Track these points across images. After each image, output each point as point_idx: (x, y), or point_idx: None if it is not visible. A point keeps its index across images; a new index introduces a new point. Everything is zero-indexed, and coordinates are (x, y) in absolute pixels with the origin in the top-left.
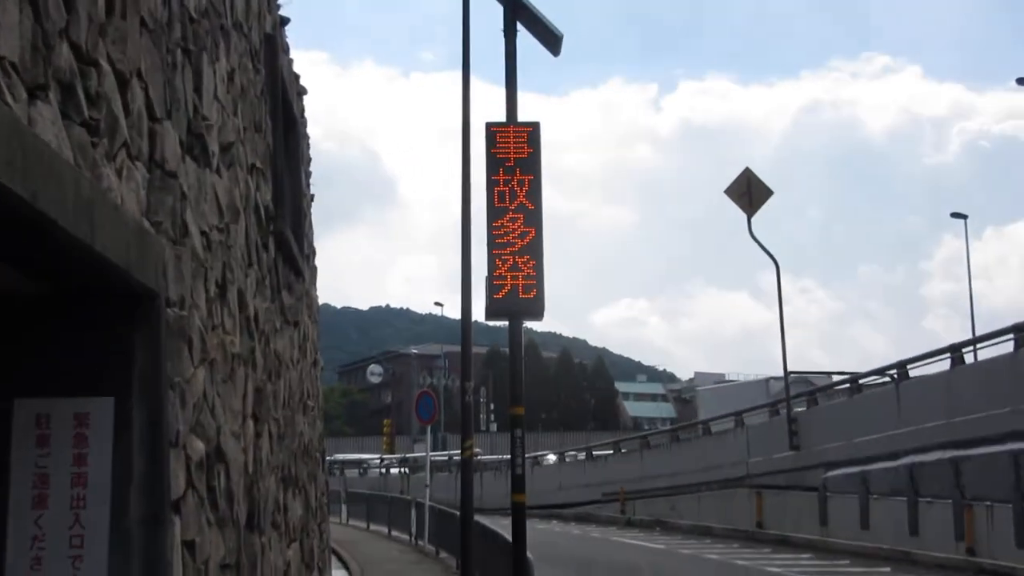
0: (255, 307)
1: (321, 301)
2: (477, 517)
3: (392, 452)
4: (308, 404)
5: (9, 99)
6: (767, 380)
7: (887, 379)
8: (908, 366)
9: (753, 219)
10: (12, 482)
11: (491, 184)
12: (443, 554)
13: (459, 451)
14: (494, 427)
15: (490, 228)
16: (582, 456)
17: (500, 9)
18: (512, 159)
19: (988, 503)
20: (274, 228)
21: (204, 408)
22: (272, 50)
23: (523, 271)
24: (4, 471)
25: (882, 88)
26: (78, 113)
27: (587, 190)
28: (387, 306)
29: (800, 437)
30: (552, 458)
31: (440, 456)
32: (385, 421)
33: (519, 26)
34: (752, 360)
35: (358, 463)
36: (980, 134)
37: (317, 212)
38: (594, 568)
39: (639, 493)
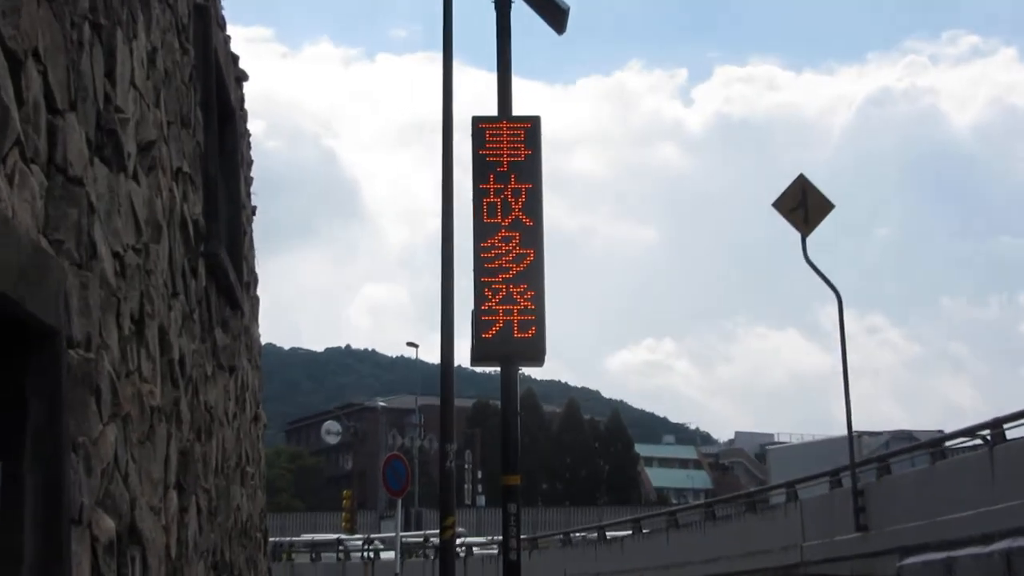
0: (181, 348)
1: (265, 340)
2: None
3: (353, 532)
4: (247, 471)
5: None
6: (858, 436)
7: (978, 441)
8: (1005, 425)
9: (809, 239)
10: None
11: (479, 194)
12: None
13: (438, 531)
14: (482, 500)
15: (477, 249)
16: (593, 536)
17: None
18: (505, 163)
19: None
20: (206, 249)
21: (115, 476)
22: (204, 25)
23: (519, 303)
24: None
25: (969, 74)
26: None
27: (599, 202)
28: (347, 347)
29: (869, 514)
30: (556, 540)
31: (414, 537)
32: (344, 492)
33: None
34: (807, 417)
35: (336, 544)
36: None
37: (260, 228)
38: None
39: None
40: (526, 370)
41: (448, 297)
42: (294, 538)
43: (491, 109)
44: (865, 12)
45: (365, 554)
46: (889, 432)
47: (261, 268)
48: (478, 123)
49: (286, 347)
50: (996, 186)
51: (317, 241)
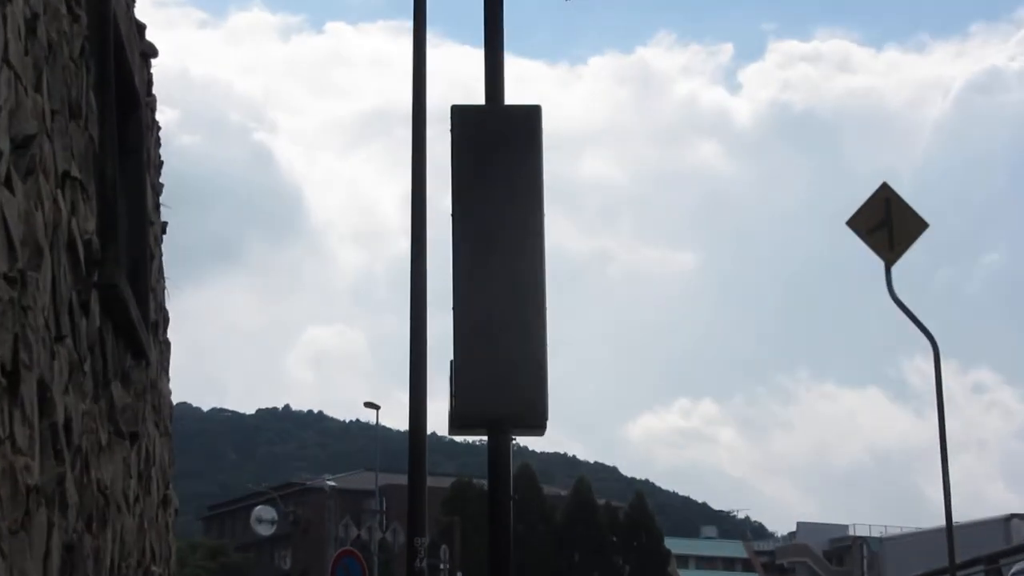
0: (67, 409)
1: (177, 399)
2: None
3: None
4: (153, 570)
5: None
6: (1006, 519)
7: None
8: None
9: (895, 268)
10: None
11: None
12: None
13: None
14: None
15: (459, 279)
16: None
17: None
18: (496, 167)
19: None
20: (101, 278)
21: None
22: None
23: (512, 351)
24: None
25: None
26: None
27: (617, 219)
28: (285, 408)
29: None
30: None
31: None
32: None
33: None
34: (892, 503)
35: None
36: None
37: (171, 251)
38: None
39: None
40: (522, 440)
41: (419, 343)
42: None
43: (477, 96)
44: None
45: None
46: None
47: (173, 303)
48: (459, 114)
49: (205, 407)
50: None
51: (246, 268)
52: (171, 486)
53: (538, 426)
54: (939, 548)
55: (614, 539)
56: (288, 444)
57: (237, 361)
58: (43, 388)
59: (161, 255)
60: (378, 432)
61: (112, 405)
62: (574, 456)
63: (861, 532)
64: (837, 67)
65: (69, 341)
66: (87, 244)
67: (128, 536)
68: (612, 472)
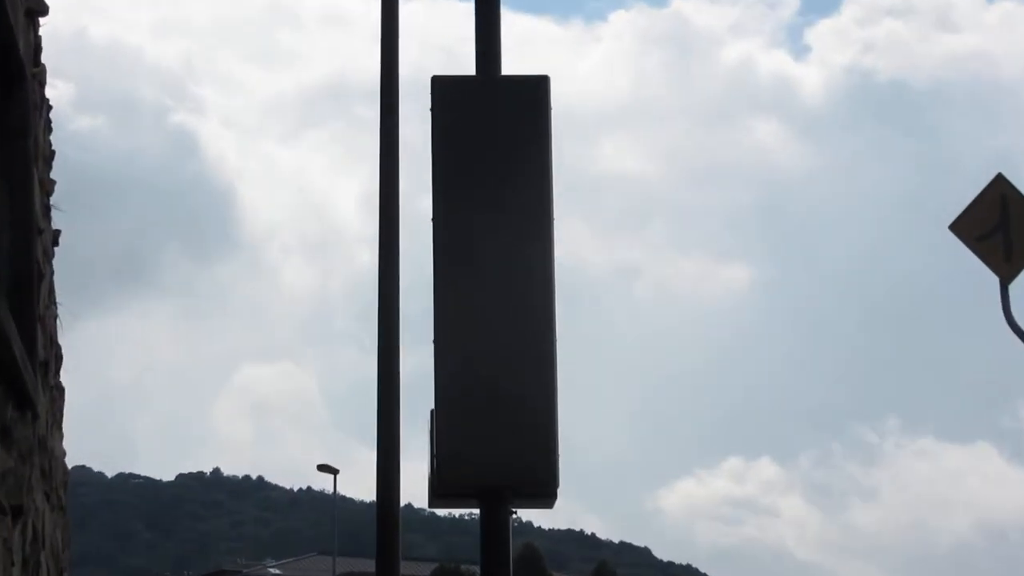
0: None
1: (74, 461)
2: None
3: None
4: None
5: None
6: None
7: None
8: None
9: (1013, 286)
10: None
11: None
12: None
13: None
14: None
15: (441, 303)
16: None
17: None
18: (489, 155)
19: None
20: None
21: None
22: None
23: (512, 397)
24: None
25: None
26: None
27: (646, 221)
28: (215, 473)
29: None
30: None
31: None
32: None
33: None
34: None
35: None
36: None
37: (67, 267)
38: None
39: None
40: (525, 514)
41: (390, 386)
42: None
43: (464, 65)
44: None
45: None
46: None
47: (68, 337)
48: (442, 88)
49: (110, 473)
50: None
51: (163, 290)
52: (66, 574)
53: (546, 495)
54: None
55: None
56: (218, 520)
57: (151, 412)
58: None
59: (52, 273)
60: (336, 504)
61: None
62: (593, 534)
63: None
64: (935, 24)
65: None
66: None
67: None
68: (643, 555)
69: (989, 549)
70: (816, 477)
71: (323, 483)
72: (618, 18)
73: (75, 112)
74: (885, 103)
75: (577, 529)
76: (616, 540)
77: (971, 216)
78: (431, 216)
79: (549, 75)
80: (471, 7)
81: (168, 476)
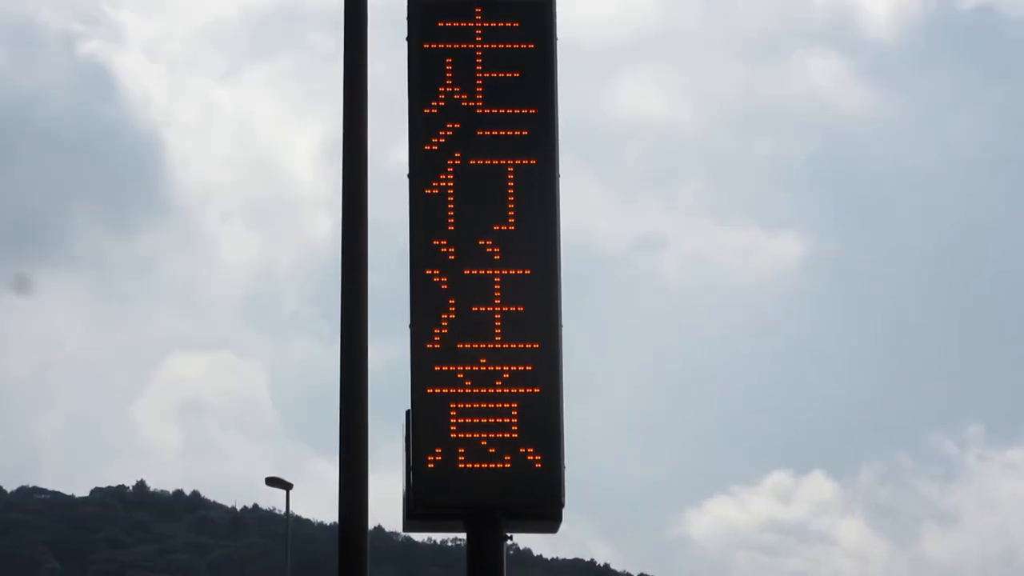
0: None
1: None
2: None
3: None
4: None
5: None
6: None
7: None
8: None
9: None
10: None
11: (423, 159)
12: None
13: None
14: None
15: (418, 280)
16: None
17: None
18: (480, 94)
19: None
20: None
21: None
22: None
23: (507, 394)
24: None
25: None
26: None
27: (673, 180)
28: (139, 487)
29: None
30: None
31: None
32: None
33: None
34: None
35: None
36: None
37: None
38: None
39: None
40: (522, 539)
41: (355, 381)
42: None
43: None
44: None
45: None
46: None
47: None
48: (422, 12)
49: (10, 487)
50: None
51: (72, 262)
52: None
53: (548, 516)
54: None
55: None
56: (144, 546)
57: (58, 413)
58: None
59: None
60: (289, 526)
61: None
62: (606, 565)
63: None
64: None
65: None
66: None
67: None
68: None
69: None
70: (881, 496)
71: (273, 500)
72: None
73: None
74: (971, 35)
75: (587, 559)
76: (634, 573)
77: None
78: (407, 172)
79: None
80: None
81: (81, 491)
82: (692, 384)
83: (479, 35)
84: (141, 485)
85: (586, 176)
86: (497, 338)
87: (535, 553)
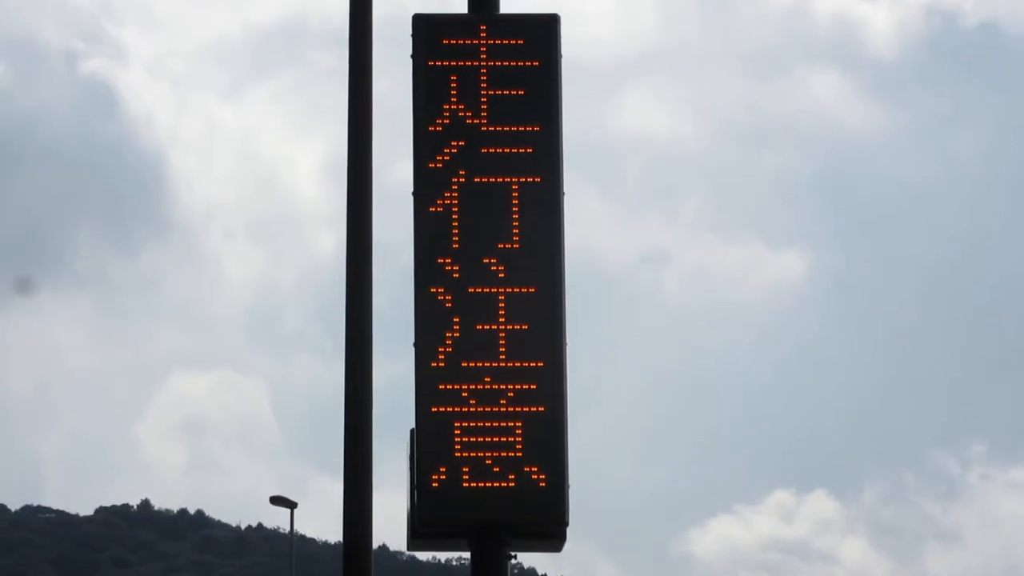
0: None
1: None
2: None
3: None
4: None
5: None
6: None
7: None
8: None
9: None
10: None
11: (426, 177)
12: None
13: None
14: None
15: (423, 298)
16: None
17: None
18: (484, 109)
19: None
20: None
21: None
22: None
23: (512, 413)
24: None
25: None
26: None
27: (676, 196)
28: (143, 506)
29: None
30: None
31: None
32: None
33: None
34: None
35: None
36: None
37: None
38: None
39: None
40: (526, 558)
41: (359, 400)
42: None
43: (454, 1)
44: None
45: None
46: None
47: None
48: (427, 29)
49: (14, 506)
50: None
51: (75, 280)
52: None
53: (553, 535)
54: None
55: None
56: (149, 565)
57: (62, 431)
58: None
59: None
60: (294, 544)
61: None
62: None
63: None
64: None
65: None
66: None
67: None
68: None
69: None
70: (884, 515)
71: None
72: None
73: None
74: (972, 52)
75: None
76: None
77: None
78: (411, 190)
79: (559, 14)
80: None
81: (85, 510)
82: (695, 401)
83: (484, 52)
84: (145, 504)
85: (588, 192)
86: (502, 356)
87: (539, 572)
